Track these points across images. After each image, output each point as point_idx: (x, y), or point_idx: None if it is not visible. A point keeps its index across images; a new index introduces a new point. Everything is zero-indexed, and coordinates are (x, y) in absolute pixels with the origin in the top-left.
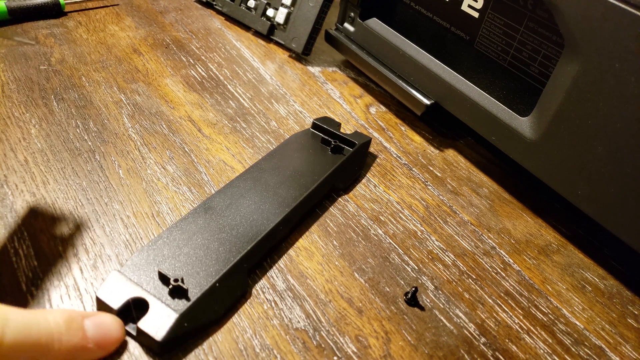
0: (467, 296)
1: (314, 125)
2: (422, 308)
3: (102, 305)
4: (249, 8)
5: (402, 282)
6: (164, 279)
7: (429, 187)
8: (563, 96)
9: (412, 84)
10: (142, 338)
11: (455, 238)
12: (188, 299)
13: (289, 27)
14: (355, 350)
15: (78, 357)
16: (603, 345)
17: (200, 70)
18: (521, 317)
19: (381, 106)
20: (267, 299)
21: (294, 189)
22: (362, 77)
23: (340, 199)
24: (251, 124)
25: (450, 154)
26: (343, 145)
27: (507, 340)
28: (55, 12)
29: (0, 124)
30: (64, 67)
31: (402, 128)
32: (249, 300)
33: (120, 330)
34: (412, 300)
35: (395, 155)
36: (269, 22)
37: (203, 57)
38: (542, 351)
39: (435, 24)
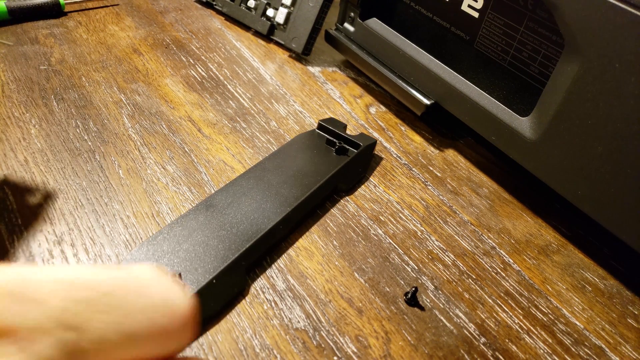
0: (467, 296)
1: (320, 126)
2: (422, 308)
3: None
4: (249, 8)
5: (402, 282)
6: None
7: (429, 187)
8: (563, 96)
9: (412, 84)
10: None
11: (455, 238)
12: None
13: (289, 27)
14: (355, 350)
15: None
16: (603, 345)
17: (200, 70)
18: (521, 317)
19: (381, 106)
20: (267, 299)
21: (296, 189)
22: (362, 77)
23: (339, 198)
24: (251, 124)
25: (450, 154)
26: (348, 147)
27: (507, 340)
28: (55, 12)
29: (0, 124)
30: (64, 67)
31: (402, 128)
32: (249, 301)
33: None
34: (412, 300)
35: (395, 155)
36: (269, 22)
37: (203, 57)
38: (542, 351)
39: (435, 24)
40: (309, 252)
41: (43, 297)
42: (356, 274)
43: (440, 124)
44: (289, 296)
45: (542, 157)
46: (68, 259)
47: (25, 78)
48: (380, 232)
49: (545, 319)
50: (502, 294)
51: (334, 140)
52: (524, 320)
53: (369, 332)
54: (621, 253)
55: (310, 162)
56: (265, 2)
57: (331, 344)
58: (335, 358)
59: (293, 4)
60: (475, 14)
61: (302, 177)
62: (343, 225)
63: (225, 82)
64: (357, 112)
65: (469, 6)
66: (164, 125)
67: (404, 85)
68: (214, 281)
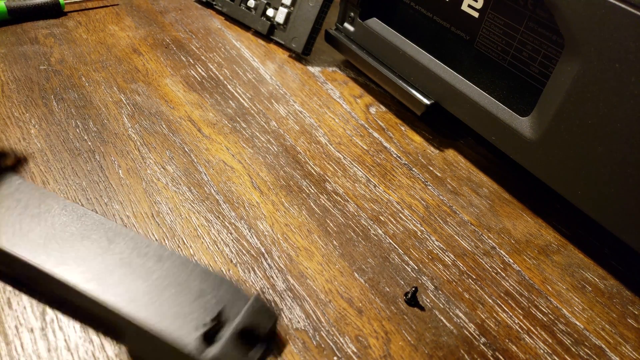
0: (467, 296)
1: (250, 302)
2: (422, 308)
3: None
4: (249, 8)
5: (402, 282)
6: None
7: (429, 187)
8: (563, 96)
9: (412, 84)
10: None
11: (455, 238)
12: None
13: (289, 27)
14: (355, 350)
15: None
16: (603, 345)
17: (200, 70)
18: (521, 317)
19: (381, 106)
20: (267, 299)
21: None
22: (362, 77)
23: (340, 198)
24: (251, 124)
25: (450, 154)
26: (214, 339)
27: (507, 340)
28: (55, 12)
29: (0, 124)
30: (64, 67)
31: (402, 128)
32: None
33: None
34: (412, 300)
35: (395, 155)
36: (269, 22)
37: (203, 57)
38: (542, 351)
39: (435, 24)
40: (309, 252)
41: None
42: (356, 274)
43: (440, 124)
44: (289, 296)
45: (542, 157)
46: None
47: (25, 78)
48: (380, 232)
49: (545, 319)
50: (502, 294)
51: (210, 320)
52: (524, 320)
53: (369, 332)
54: (621, 253)
55: (177, 303)
56: (265, 2)
57: (331, 344)
58: (335, 358)
59: (293, 4)
60: (475, 14)
61: (155, 297)
62: (343, 225)
63: (225, 82)
64: (357, 112)
65: (469, 6)
66: (163, 125)
67: (404, 85)
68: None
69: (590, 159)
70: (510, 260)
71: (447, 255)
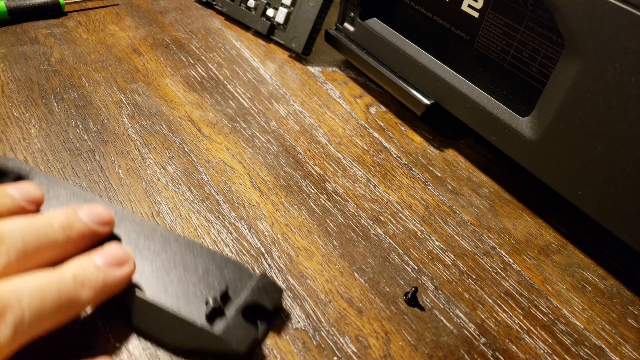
0: (467, 296)
1: (262, 277)
2: (422, 308)
3: None
4: (249, 8)
5: (402, 282)
6: None
7: (429, 187)
8: (563, 96)
9: (412, 84)
10: None
11: (455, 238)
12: None
13: (289, 27)
14: (355, 350)
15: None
16: (603, 345)
17: (200, 70)
18: (521, 317)
19: (381, 106)
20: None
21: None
22: (362, 77)
23: (340, 198)
24: (251, 124)
25: (450, 154)
26: (218, 314)
27: (507, 341)
28: (55, 12)
29: (0, 124)
30: (64, 67)
31: (402, 128)
32: None
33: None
34: (412, 300)
35: (395, 155)
36: (269, 22)
37: (203, 57)
38: (542, 351)
39: (435, 24)
40: (309, 252)
41: None
42: (356, 274)
43: (440, 124)
44: (289, 296)
45: (542, 157)
46: None
47: (25, 78)
48: (380, 232)
49: (545, 319)
50: (502, 294)
51: (216, 298)
52: (524, 320)
53: (369, 332)
54: (621, 253)
55: (182, 283)
56: (265, 2)
57: (331, 344)
58: (335, 358)
59: (293, 4)
60: (475, 14)
61: (158, 281)
62: (343, 225)
63: (225, 82)
64: (357, 112)
65: (469, 6)
66: (163, 125)
67: (404, 85)
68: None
69: (590, 159)
70: (510, 260)
71: (447, 255)
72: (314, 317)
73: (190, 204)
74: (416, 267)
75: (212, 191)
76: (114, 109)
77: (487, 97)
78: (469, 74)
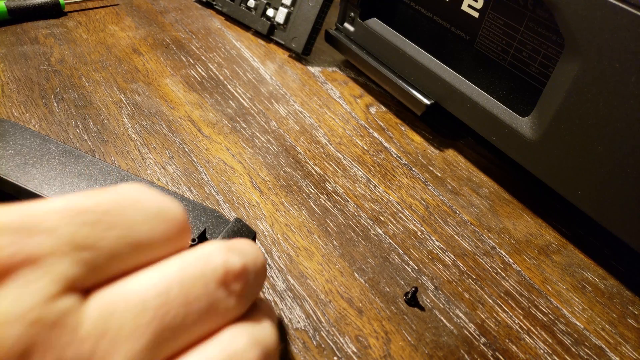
0: (467, 296)
1: (231, 224)
2: (422, 308)
3: None
4: (249, 8)
5: (402, 282)
6: None
7: (429, 187)
8: (563, 96)
9: (412, 84)
10: None
11: (455, 238)
12: None
13: (289, 27)
14: (355, 350)
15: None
16: (603, 345)
17: (200, 70)
18: (521, 317)
19: (381, 106)
20: (267, 299)
21: None
22: (362, 77)
23: (340, 198)
24: (251, 124)
25: (450, 154)
26: None
27: (507, 341)
28: (55, 12)
29: None
30: (64, 67)
31: (402, 128)
32: None
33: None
34: (412, 300)
35: (395, 155)
36: (269, 22)
37: (203, 57)
38: (542, 351)
39: (435, 24)
40: (309, 252)
41: (51, 226)
42: (356, 274)
43: (440, 124)
44: (289, 296)
45: (542, 157)
46: None
47: (25, 78)
48: (380, 232)
49: (545, 319)
50: (502, 294)
51: (194, 238)
52: (524, 320)
53: (369, 332)
54: (621, 253)
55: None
56: (265, 2)
57: (331, 344)
58: (335, 358)
59: (293, 4)
60: (475, 14)
61: None
62: (343, 225)
63: (225, 82)
64: (357, 112)
65: (469, 6)
66: (163, 125)
67: (404, 85)
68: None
69: (590, 159)
70: (510, 260)
71: (447, 255)
72: (314, 317)
73: None
74: (416, 267)
75: (212, 191)
76: (114, 109)
77: (487, 97)
78: (469, 74)
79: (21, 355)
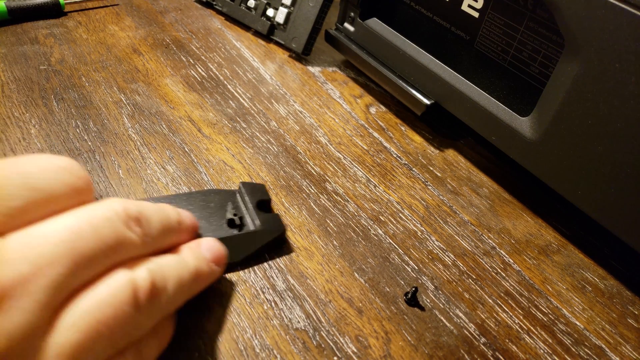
0: (467, 296)
1: (240, 189)
2: (422, 308)
3: None
4: (249, 8)
5: (402, 282)
6: None
7: (429, 187)
8: (563, 96)
9: (412, 84)
10: None
11: (455, 238)
12: None
13: (289, 27)
14: (355, 350)
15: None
16: (603, 346)
17: (200, 70)
18: (521, 317)
19: (381, 106)
20: (267, 299)
21: None
22: (362, 77)
23: (340, 198)
24: (251, 124)
25: (450, 154)
26: (247, 223)
27: (507, 340)
28: (55, 12)
29: (0, 124)
30: (64, 67)
31: (402, 128)
32: (249, 301)
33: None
34: (412, 300)
35: (395, 155)
36: (269, 22)
37: (203, 57)
38: (542, 351)
39: (435, 24)
40: (309, 252)
41: None
42: (356, 274)
43: (440, 124)
44: (289, 296)
45: (542, 157)
46: None
47: (25, 78)
48: (380, 232)
49: (545, 319)
50: (502, 294)
51: (234, 209)
52: (524, 320)
53: (369, 332)
54: (621, 253)
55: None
56: (265, 2)
57: (331, 344)
58: (335, 358)
59: (293, 4)
60: (475, 14)
61: None
62: (343, 225)
63: (225, 82)
64: (357, 112)
65: (469, 6)
66: (164, 125)
67: (404, 85)
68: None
69: (590, 159)
70: (510, 260)
71: (447, 255)
72: (314, 317)
73: None
74: (416, 267)
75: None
76: (114, 109)
77: (487, 97)
78: (469, 74)
79: None
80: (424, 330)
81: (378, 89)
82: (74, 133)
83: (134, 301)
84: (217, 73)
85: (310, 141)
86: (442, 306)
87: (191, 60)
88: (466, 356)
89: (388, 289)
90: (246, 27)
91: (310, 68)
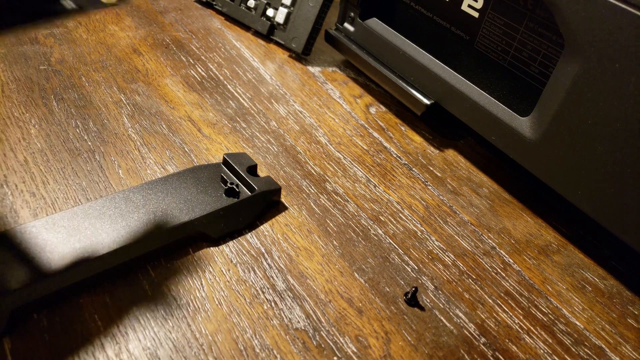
0: (467, 296)
1: (224, 161)
2: (422, 308)
3: None
4: (249, 8)
5: (402, 282)
6: None
7: (429, 187)
8: (563, 96)
9: (412, 84)
10: None
11: (455, 238)
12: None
13: (289, 27)
14: (355, 350)
15: None
16: (603, 345)
17: (200, 70)
18: (521, 317)
19: (381, 106)
20: (267, 299)
21: (150, 224)
22: (362, 77)
23: (340, 198)
24: (251, 124)
25: (450, 154)
26: (242, 190)
27: (507, 341)
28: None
29: (0, 124)
30: (64, 67)
31: (402, 128)
32: (249, 301)
33: None
34: (412, 300)
35: (395, 155)
36: (268, 22)
37: (203, 57)
38: (542, 351)
39: (435, 24)
40: (309, 252)
41: None
42: (356, 274)
43: (440, 124)
44: (289, 296)
45: (542, 157)
46: None
47: (25, 78)
48: (380, 232)
49: (545, 319)
50: (502, 294)
51: (226, 179)
52: (524, 320)
53: (369, 332)
54: (621, 253)
55: (191, 197)
56: (265, 2)
57: (331, 344)
58: (335, 358)
59: (293, 4)
60: (475, 14)
61: (169, 212)
62: (343, 225)
63: (225, 82)
64: (357, 112)
65: (469, 6)
66: (163, 125)
67: (404, 85)
68: None
69: (590, 159)
70: (510, 260)
71: (447, 255)
72: (314, 317)
73: None
74: (416, 267)
75: None
76: (114, 109)
77: (487, 97)
78: (469, 74)
79: None
80: (424, 330)
81: (378, 89)
82: (73, 133)
83: None
84: (217, 73)
85: (310, 141)
86: (442, 306)
87: (191, 60)
88: (466, 356)
89: (388, 289)
90: (246, 27)
91: (310, 68)
